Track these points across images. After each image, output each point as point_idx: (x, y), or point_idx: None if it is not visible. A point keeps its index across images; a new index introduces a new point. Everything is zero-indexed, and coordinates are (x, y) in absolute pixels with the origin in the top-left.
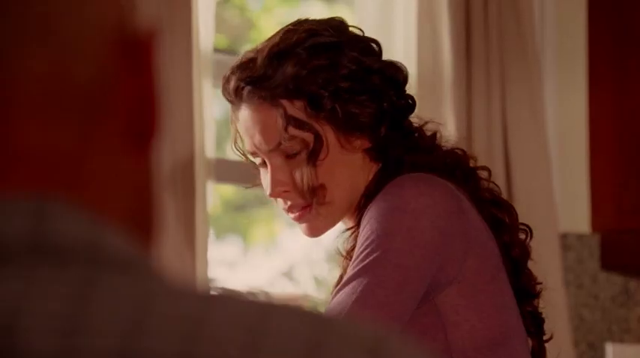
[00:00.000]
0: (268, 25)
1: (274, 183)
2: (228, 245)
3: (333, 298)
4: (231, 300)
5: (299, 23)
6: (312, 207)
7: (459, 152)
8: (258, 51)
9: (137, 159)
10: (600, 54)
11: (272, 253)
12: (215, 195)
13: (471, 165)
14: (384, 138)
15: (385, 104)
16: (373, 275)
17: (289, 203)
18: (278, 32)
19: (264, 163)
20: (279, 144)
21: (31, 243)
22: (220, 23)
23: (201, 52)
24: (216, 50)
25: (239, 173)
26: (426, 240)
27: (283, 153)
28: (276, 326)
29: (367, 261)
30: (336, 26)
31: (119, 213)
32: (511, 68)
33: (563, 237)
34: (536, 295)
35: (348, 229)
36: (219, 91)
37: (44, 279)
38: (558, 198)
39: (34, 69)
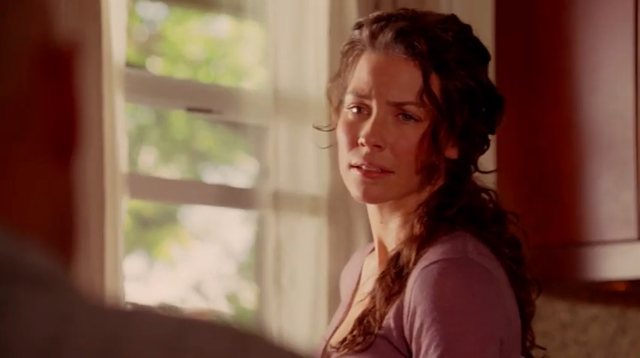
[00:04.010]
0: (176, 39)
1: (375, 132)
2: (137, 260)
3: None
4: (148, 317)
5: (452, 17)
6: (393, 175)
7: (492, 194)
8: (421, 15)
9: (57, 174)
10: (508, 75)
11: (181, 268)
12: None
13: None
14: (468, 161)
15: (491, 134)
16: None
17: (373, 158)
18: (437, 17)
19: (359, 112)
20: (404, 104)
21: None
22: (130, 36)
23: (112, 66)
24: (128, 64)
25: (152, 188)
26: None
27: (395, 114)
28: (194, 342)
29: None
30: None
31: (39, 229)
32: None
33: None
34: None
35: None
36: (131, 105)
37: None
38: None
39: None
